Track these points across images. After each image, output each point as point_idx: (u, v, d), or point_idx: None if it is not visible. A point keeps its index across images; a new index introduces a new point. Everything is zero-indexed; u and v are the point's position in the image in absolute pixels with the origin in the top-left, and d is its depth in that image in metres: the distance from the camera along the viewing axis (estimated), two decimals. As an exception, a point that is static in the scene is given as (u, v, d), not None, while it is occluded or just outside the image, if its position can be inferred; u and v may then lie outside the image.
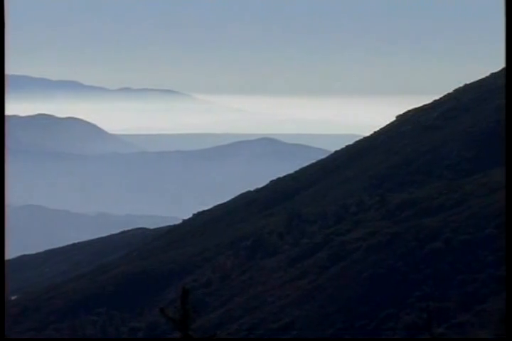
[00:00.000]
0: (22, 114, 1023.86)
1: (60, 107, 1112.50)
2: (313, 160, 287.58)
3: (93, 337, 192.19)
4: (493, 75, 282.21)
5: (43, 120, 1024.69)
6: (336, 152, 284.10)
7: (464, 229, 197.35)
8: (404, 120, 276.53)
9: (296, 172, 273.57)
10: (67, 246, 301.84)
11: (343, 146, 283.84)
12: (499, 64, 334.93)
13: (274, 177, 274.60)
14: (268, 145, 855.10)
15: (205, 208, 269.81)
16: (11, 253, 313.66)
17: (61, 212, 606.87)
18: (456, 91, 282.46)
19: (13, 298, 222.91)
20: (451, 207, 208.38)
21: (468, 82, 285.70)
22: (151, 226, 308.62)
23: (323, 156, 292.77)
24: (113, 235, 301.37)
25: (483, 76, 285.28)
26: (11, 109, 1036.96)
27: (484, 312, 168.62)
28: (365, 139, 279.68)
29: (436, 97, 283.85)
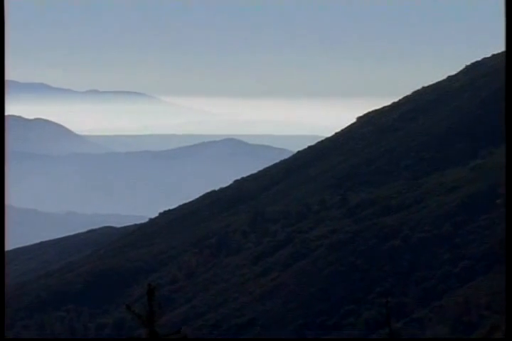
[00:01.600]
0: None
1: (28, 108, 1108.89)
2: (276, 161, 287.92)
3: (62, 338, 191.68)
4: (449, 78, 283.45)
5: (11, 121, 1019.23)
6: (299, 152, 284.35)
7: (421, 227, 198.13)
8: (365, 121, 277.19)
9: (259, 172, 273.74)
10: (36, 244, 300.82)
11: (306, 147, 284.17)
12: (456, 66, 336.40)
13: (238, 177, 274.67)
14: (232, 145, 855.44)
15: (171, 207, 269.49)
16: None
17: (29, 211, 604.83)
18: (415, 93, 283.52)
19: None
20: (409, 205, 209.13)
21: (425, 85, 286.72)
22: (118, 225, 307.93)
23: (286, 157, 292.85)
24: (80, 234, 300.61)
25: (440, 79, 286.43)
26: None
27: (441, 308, 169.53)
28: (327, 140, 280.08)
29: (396, 99, 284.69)
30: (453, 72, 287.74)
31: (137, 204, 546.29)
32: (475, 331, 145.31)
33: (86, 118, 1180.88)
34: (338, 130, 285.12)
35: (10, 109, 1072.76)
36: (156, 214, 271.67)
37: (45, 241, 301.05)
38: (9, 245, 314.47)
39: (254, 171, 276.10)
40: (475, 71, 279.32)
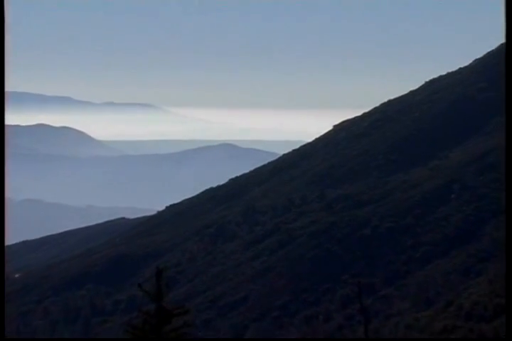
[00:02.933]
0: (23, 123, 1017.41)
1: (55, 118, 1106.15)
2: (265, 162, 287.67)
3: (84, 309, 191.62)
4: (411, 92, 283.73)
5: (41, 129, 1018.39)
6: (284, 155, 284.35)
7: (388, 218, 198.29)
8: (340, 129, 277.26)
9: (250, 171, 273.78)
10: (61, 233, 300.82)
11: (290, 150, 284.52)
12: (417, 83, 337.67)
13: (233, 176, 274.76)
14: (227, 149, 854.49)
15: (176, 201, 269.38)
16: (13, 239, 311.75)
17: (55, 204, 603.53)
18: (382, 105, 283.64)
19: (16, 275, 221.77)
20: (377, 200, 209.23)
21: (391, 98, 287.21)
22: (131, 217, 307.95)
23: (273, 158, 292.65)
24: (99, 224, 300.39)
25: (403, 93, 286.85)
26: (13, 120, 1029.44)
27: (404, 286, 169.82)
28: (308, 144, 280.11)
29: (366, 110, 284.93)
30: (414, 87, 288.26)
31: (147, 199, 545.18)
32: (432, 306, 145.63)
33: (104, 126, 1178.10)
34: (317, 136, 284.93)
35: (40, 118, 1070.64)
36: (163, 208, 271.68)
37: (69, 231, 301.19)
38: (37, 234, 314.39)
39: (247, 171, 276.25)
40: (432, 86, 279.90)
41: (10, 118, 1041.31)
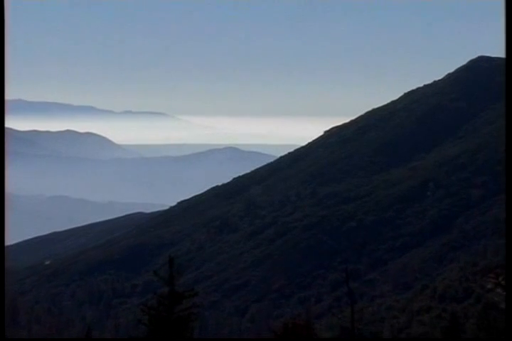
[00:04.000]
0: (53, 130, 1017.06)
1: (81, 125, 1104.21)
2: (264, 163, 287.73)
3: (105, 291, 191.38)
4: (392, 102, 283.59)
5: (68, 134, 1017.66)
6: (281, 157, 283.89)
7: (371, 213, 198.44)
8: (330, 134, 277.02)
9: (251, 171, 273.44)
10: (85, 225, 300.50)
11: (286, 153, 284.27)
12: (397, 93, 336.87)
13: (236, 176, 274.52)
14: (231, 152, 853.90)
15: (186, 198, 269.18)
16: (44, 230, 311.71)
17: (80, 200, 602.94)
18: (367, 113, 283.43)
19: (47, 262, 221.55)
20: (363, 196, 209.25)
21: (375, 107, 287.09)
22: (147, 211, 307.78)
23: (272, 160, 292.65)
24: (119, 217, 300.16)
25: (385, 102, 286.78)
26: (44, 127, 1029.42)
27: (386, 272, 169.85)
28: (302, 148, 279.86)
29: (353, 118, 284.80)
30: (395, 98, 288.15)
31: (161, 196, 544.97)
32: (410, 289, 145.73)
33: (123, 132, 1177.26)
34: (310, 140, 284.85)
35: (67, 125, 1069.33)
36: (175, 203, 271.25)
37: (92, 223, 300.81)
38: (65, 226, 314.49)
39: (248, 171, 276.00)
40: (410, 97, 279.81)
41: (41, 125, 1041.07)
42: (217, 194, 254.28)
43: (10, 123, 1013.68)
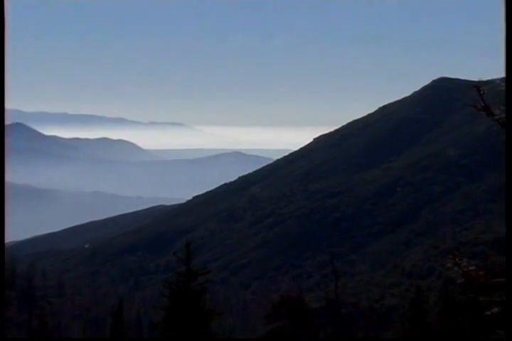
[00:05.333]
0: (91, 137, 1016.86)
1: (113, 133, 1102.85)
2: (264, 165, 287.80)
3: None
4: (369, 114, 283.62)
5: (103, 141, 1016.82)
6: (278, 160, 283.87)
7: (352, 205, 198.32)
8: (318, 140, 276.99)
9: (254, 171, 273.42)
10: (117, 215, 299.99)
11: (282, 156, 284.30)
12: (373, 107, 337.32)
13: (241, 175, 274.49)
14: (237, 156, 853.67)
15: (200, 193, 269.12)
16: (84, 220, 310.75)
17: (113, 195, 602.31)
18: (348, 124, 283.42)
19: (86, 246, 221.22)
20: (345, 191, 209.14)
21: (355, 118, 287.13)
22: (167, 204, 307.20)
23: (270, 162, 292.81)
24: (144, 209, 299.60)
25: (364, 115, 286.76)
26: (83, 135, 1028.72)
27: (364, 254, 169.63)
28: (295, 152, 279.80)
29: (337, 127, 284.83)
30: (371, 111, 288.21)
31: (179, 191, 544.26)
32: (384, 267, 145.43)
33: (148, 139, 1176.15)
34: (301, 146, 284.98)
35: (103, 133, 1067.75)
36: (191, 198, 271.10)
37: (123, 214, 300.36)
38: (101, 216, 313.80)
39: (251, 171, 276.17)
40: (384, 110, 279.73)
41: (82, 134, 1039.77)
42: (225, 190, 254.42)
43: (56, 131, 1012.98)
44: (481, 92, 8.36)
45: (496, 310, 8.16)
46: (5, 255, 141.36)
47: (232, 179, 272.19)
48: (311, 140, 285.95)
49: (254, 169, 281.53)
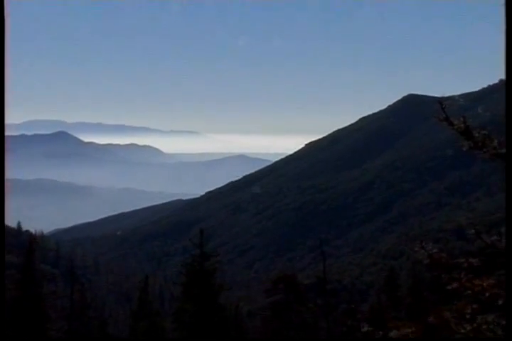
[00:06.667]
0: (121, 143, 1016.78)
1: (140, 140, 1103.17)
2: (264, 166, 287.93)
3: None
4: (351, 124, 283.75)
5: (132, 146, 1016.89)
6: (275, 162, 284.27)
7: (337, 199, 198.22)
8: (309, 146, 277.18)
9: (256, 172, 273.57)
10: (144, 208, 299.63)
11: (279, 159, 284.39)
12: (353, 118, 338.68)
13: (245, 174, 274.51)
14: (241, 159, 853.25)
15: (211, 189, 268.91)
16: (115, 211, 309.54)
17: (140, 190, 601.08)
18: (334, 132, 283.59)
19: (118, 233, 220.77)
20: (330, 188, 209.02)
21: (340, 127, 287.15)
22: (184, 198, 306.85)
23: (269, 164, 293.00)
24: (164, 203, 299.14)
25: (347, 124, 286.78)
26: (114, 141, 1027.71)
27: (347, 239, 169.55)
28: (290, 155, 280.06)
29: (324, 135, 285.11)
30: (353, 121, 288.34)
31: (194, 187, 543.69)
32: (363, 250, 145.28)
33: (168, 145, 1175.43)
34: (295, 150, 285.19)
35: (130, 140, 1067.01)
36: (203, 193, 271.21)
37: (148, 206, 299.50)
38: (129, 208, 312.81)
39: (253, 171, 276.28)
40: (363, 120, 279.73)
41: (113, 140, 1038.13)
42: (232, 187, 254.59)
43: (93, 138, 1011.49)
44: (443, 106, 8.40)
45: (455, 285, 8.18)
46: (51, 240, 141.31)
47: (238, 178, 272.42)
48: (303, 145, 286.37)
49: (256, 169, 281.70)
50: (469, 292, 8.04)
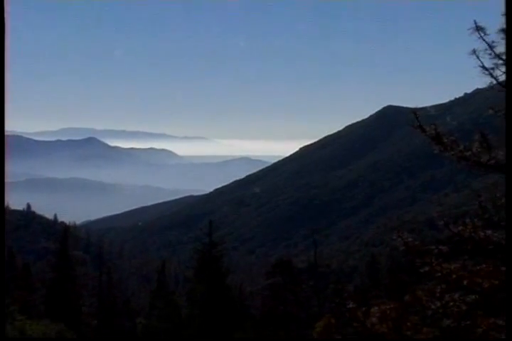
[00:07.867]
0: (142, 147, 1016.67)
1: (158, 144, 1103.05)
2: (264, 167, 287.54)
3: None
4: (338, 131, 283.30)
5: (150, 151, 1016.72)
6: (274, 163, 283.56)
7: (329, 195, 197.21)
8: (303, 150, 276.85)
9: (257, 171, 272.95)
10: (160, 202, 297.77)
11: (277, 160, 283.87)
12: (342, 125, 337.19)
13: (247, 174, 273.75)
14: (245, 160, 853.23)
15: (218, 187, 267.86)
16: (136, 205, 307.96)
17: (158, 188, 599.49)
18: (324, 137, 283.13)
19: (139, 224, 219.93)
20: (322, 186, 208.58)
21: (328, 134, 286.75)
22: (195, 194, 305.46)
23: (269, 165, 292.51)
24: (178, 198, 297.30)
25: (335, 131, 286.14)
26: (137, 145, 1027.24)
27: (335, 229, 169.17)
28: (287, 157, 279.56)
29: (315, 140, 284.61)
30: (340, 128, 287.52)
31: (203, 185, 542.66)
32: (348, 239, 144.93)
33: (182, 148, 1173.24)
34: (291, 153, 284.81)
35: (150, 145, 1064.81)
36: (212, 190, 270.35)
37: (164, 202, 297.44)
38: (148, 203, 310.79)
39: (255, 171, 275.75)
40: (350, 128, 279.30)
41: (135, 145, 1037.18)
42: (236, 185, 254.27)
43: (118, 143, 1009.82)
44: (417, 116, 8.43)
45: (427, 268, 8.20)
46: (82, 230, 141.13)
47: (241, 177, 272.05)
48: (298, 149, 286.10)
49: (257, 170, 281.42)
50: (439, 274, 8.09)
